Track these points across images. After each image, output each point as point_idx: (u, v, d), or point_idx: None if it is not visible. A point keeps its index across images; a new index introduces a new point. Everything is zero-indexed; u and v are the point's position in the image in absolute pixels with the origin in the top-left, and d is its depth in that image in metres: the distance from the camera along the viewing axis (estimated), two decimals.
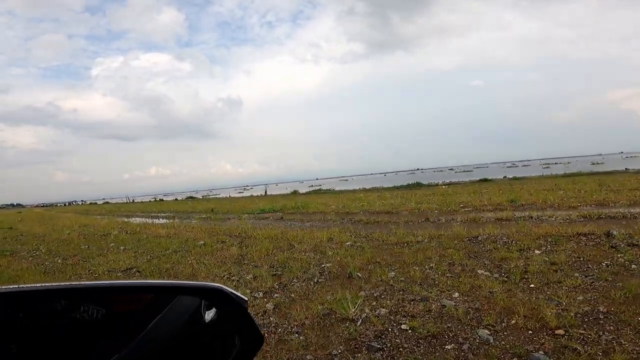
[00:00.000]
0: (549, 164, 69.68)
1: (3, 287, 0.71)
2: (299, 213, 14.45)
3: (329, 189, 38.35)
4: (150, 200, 62.38)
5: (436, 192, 19.72)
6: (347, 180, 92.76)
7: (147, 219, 17.78)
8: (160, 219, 17.41)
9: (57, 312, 0.78)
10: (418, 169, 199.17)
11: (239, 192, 71.91)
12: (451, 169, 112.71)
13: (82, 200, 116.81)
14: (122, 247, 8.85)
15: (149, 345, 0.79)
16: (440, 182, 32.08)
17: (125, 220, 17.66)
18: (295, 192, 36.71)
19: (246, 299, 0.86)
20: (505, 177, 33.74)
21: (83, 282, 0.89)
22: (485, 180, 29.10)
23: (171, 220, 15.51)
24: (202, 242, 8.41)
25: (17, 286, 0.72)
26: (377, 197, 18.41)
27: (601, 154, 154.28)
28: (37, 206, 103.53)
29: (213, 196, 64.97)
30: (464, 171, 71.42)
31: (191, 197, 62.71)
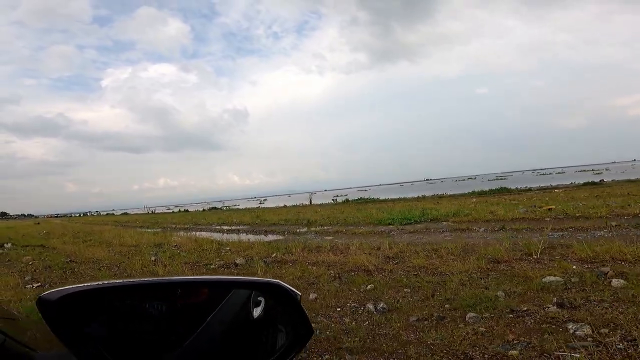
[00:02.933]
0: (585, 170, 67.02)
1: (90, 284, 0.77)
2: (451, 221, 12.42)
3: (377, 198, 36.09)
4: (173, 211, 60.56)
5: (559, 196, 18.33)
6: (366, 190, 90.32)
7: (226, 234, 15.25)
8: (248, 234, 14.80)
9: (131, 305, 0.86)
10: (427, 179, 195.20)
11: (260, 203, 70.33)
12: (470, 178, 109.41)
13: (96, 211, 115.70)
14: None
15: (208, 336, 0.85)
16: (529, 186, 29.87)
17: (198, 235, 15.18)
18: (346, 201, 34.85)
19: (300, 294, 0.91)
20: (573, 182, 31.15)
21: (154, 279, 0.99)
22: (593, 183, 27.48)
23: (272, 237, 13.14)
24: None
25: (101, 282, 0.79)
26: (494, 203, 16.49)
27: (614, 162, 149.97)
28: (50, 217, 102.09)
29: (234, 207, 63.18)
30: (497, 179, 68.53)
31: (214, 208, 61.02)
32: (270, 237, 13.13)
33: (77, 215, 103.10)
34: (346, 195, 62.39)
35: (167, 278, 1.34)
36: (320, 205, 37.08)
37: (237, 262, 8.22)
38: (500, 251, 6.49)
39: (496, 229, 9.77)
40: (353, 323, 4.22)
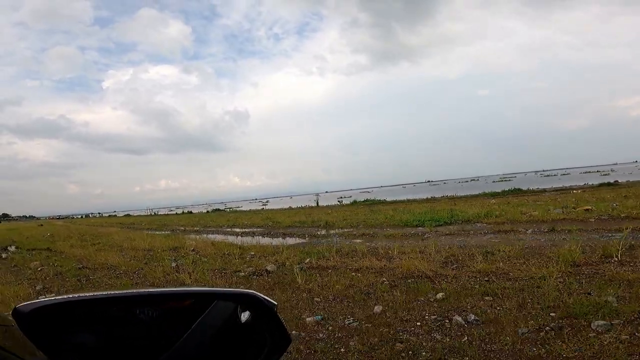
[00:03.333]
0: (590, 171, 66.13)
1: (76, 295, 0.84)
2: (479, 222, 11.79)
3: (384, 200, 35.33)
4: (177, 213, 59.69)
5: (583, 197, 17.45)
6: (369, 191, 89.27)
7: (241, 237, 14.43)
8: (265, 237, 13.89)
9: (116, 316, 0.88)
10: (428, 181, 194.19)
11: (263, 205, 69.48)
12: (473, 180, 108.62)
13: (98, 213, 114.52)
14: None
15: (191, 345, 0.86)
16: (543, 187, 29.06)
17: (212, 238, 14.35)
18: (355, 202, 34.10)
19: (276, 303, 0.93)
20: (586, 183, 30.41)
21: (136, 291, 1.02)
22: (609, 184, 26.62)
23: (293, 240, 12.37)
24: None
25: (91, 294, 0.86)
26: (517, 204, 15.82)
27: (616, 163, 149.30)
28: (52, 218, 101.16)
29: (237, 208, 62.31)
30: (502, 180, 67.79)
31: (218, 210, 60.14)
32: (292, 241, 12.36)
33: (79, 216, 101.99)
34: (350, 196, 61.82)
35: (146, 290, 1.33)
36: (327, 206, 36.32)
37: (268, 268, 7.43)
38: (576, 253, 5.76)
39: (545, 231, 9.01)
40: (448, 339, 3.59)
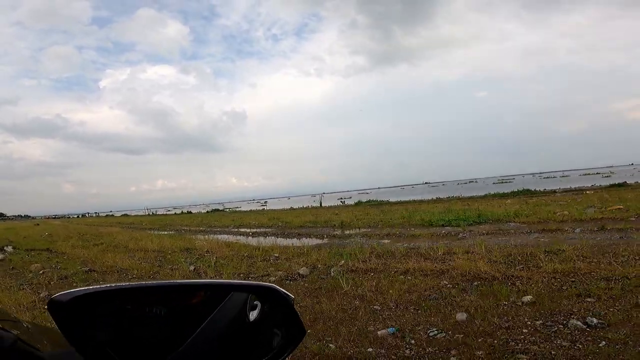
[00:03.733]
0: (589, 174, 65.82)
1: (94, 287, 0.79)
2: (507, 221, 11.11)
3: (387, 200, 34.53)
4: (176, 213, 58.64)
5: (602, 197, 16.59)
6: (368, 192, 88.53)
7: (252, 238, 13.70)
8: (278, 238, 13.14)
9: (135, 307, 0.86)
10: (426, 182, 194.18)
11: (262, 205, 68.61)
12: (471, 181, 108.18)
13: (94, 212, 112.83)
14: None
15: (207, 337, 0.85)
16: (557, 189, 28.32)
17: (222, 238, 13.45)
18: (359, 203, 33.28)
19: (293, 296, 0.92)
20: (594, 185, 29.82)
21: (155, 282, 1.24)
22: (619, 185, 26.05)
23: (313, 241, 11.58)
24: None
25: (108, 285, 0.81)
26: (535, 204, 14.99)
27: (612, 166, 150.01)
28: (48, 218, 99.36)
29: (236, 209, 61.32)
30: (501, 182, 67.33)
31: (217, 210, 59.22)
32: (310, 241, 11.53)
33: (75, 216, 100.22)
34: (350, 197, 61.07)
35: (168, 281, 1.22)
36: (331, 207, 35.49)
37: (301, 272, 6.63)
38: None
39: (595, 230, 8.28)
40: (580, 346, 3.01)
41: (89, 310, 0.77)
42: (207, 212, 53.43)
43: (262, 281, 6.33)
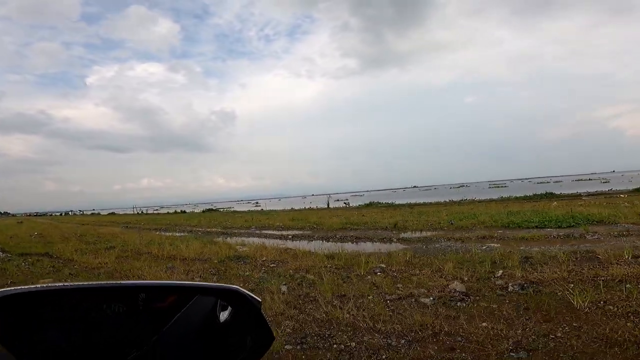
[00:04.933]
0: (581, 179, 65.71)
1: (45, 285, 0.74)
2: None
3: (392, 202, 32.49)
4: (169, 212, 55.26)
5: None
6: (362, 195, 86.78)
7: (288, 241, 11.58)
8: (328, 242, 11.08)
9: (89, 308, 0.80)
10: (415, 186, 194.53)
11: (256, 206, 65.85)
12: (462, 186, 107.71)
13: (79, 210, 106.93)
14: None
15: (170, 340, 0.80)
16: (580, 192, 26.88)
17: (259, 242, 10.96)
18: (370, 204, 31.13)
19: (260, 300, 0.88)
20: (611, 189, 28.56)
21: (114, 282, 0.94)
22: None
23: (352, 245, 9.26)
24: None
25: (60, 284, 0.76)
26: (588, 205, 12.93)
27: (594, 173, 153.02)
28: (30, 215, 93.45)
29: (228, 209, 58.32)
30: (497, 186, 66.61)
31: (210, 210, 56.25)
32: (379, 247, 9.34)
33: (58, 214, 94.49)
34: (347, 199, 59.15)
35: (126, 282, 1.17)
36: (337, 209, 33.28)
37: (458, 288, 4.48)
38: None
39: None
40: None
41: (29, 310, 0.72)
42: (203, 211, 50.41)
43: (414, 306, 4.14)
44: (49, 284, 0.76)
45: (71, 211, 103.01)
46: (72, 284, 0.78)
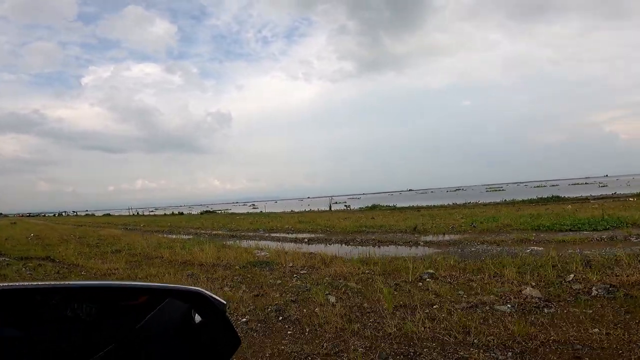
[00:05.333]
0: (578, 183, 65.76)
1: (14, 283, 0.75)
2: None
3: (394, 205, 31.85)
4: (165, 214, 54.11)
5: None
6: (359, 198, 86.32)
7: (304, 244, 10.97)
8: (349, 246, 10.48)
9: (51, 309, 0.78)
10: (410, 190, 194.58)
11: (253, 208, 65.05)
12: (459, 189, 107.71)
13: (73, 211, 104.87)
14: None
15: (137, 341, 0.78)
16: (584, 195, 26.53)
17: (274, 246, 10.19)
18: (374, 207, 30.46)
19: (225, 302, 0.86)
20: (614, 192, 28.24)
21: (76, 282, 1.06)
22: None
23: (372, 249, 8.62)
24: None
25: (16, 284, 0.76)
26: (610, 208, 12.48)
27: (589, 177, 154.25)
28: (22, 216, 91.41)
29: (226, 211, 57.35)
30: (495, 190, 66.50)
31: (208, 212, 55.30)
32: (409, 250, 8.76)
33: (52, 215, 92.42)
34: (345, 201, 58.58)
35: (95, 282, 1.19)
36: (339, 211, 32.66)
37: (534, 294, 4.00)
38: None
39: None
40: None
41: None
42: (200, 213, 49.47)
43: (490, 315, 3.55)
44: (11, 283, 0.75)
45: (64, 212, 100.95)
46: (35, 283, 0.77)
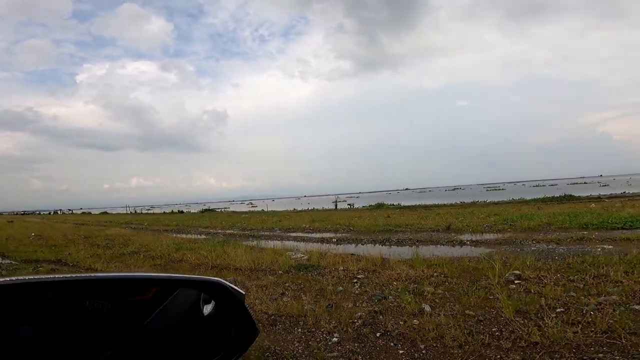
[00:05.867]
0: (577, 183, 65.54)
1: (20, 277, 0.71)
2: None
3: (399, 204, 31.15)
4: (165, 212, 52.89)
5: None
6: (358, 197, 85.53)
7: (332, 244, 10.11)
8: (374, 244, 9.71)
9: (66, 302, 0.77)
10: (407, 189, 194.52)
11: (252, 206, 63.97)
12: (457, 188, 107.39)
13: (68, 209, 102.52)
14: None
15: (150, 334, 0.78)
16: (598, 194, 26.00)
17: (307, 247, 9.27)
18: (380, 205, 29.70)
19: (243, 292, 0.86)
20: (624, 192, 27.75)
21: (91, 274, 0.89)
22: None
23: (415, 248, 7.83)
24: None
25: (32, 277, 0.73)
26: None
27: (583, 177, 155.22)
28: (17, 214, 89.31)
29: (224, 209, 56.24)
30: (494, 189, 66.02)
31: (208, 210, 54.17)
32: (454, 251, 8.01)
33: (47, 213, 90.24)
34: (344, 200, 57.83)
35: (106, 274, 1.12)
36: (350, 210, 31.91)
37: None
38: None
39: None
40: None
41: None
42: (202, 212, 48.38)
43: None
44: (22, 277, 0.71)
45: (60, 210, 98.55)
46: (46, 276, 0.74)
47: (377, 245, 9.83)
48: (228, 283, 0.84)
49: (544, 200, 25.71)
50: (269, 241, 11.85)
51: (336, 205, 34.44)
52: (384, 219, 16.38)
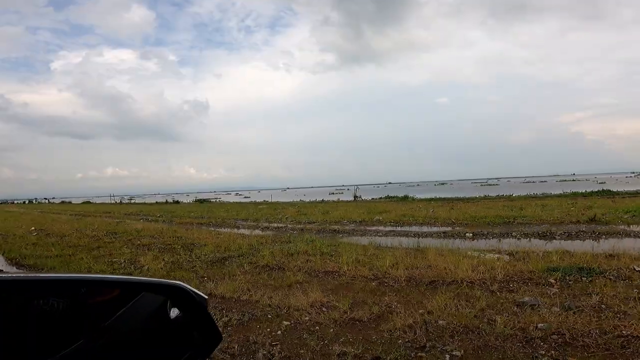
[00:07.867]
0: (565, 180, 65.72)
1: None
2: None
3: (404, 196, 28.87)
4: (158, 202, 48.70)
5: None
6: (349, 190, 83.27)
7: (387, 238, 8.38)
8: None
9: (22, 301, 0.74)
10: (389, 183, 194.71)
11: (245, 197, 60.46)
12: (442, 183, 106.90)
13: (45, 199, 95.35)
14: None
15: (107, 336, 0.75)
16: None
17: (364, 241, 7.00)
18: (388, 198, 27.82)
19: (206, 297, 0.82)
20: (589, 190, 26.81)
21: (49, 274, 0.91)
22: None
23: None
24: None
25: None
26: None
27: (557, 175, 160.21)
28: None
29: (216, 199, 52.75)
30: (487, 185, 64.79)
31: (201, 200, 50.07)
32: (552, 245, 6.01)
33: (22, 202, 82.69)
34: (342, 192, 55.67)
35: (67, 274, 1.09)
36: (353, 202, 29.54)
37: None
38: None
39: None
40: None
41: None
42: (200, 202, 44.79)
43: None
44: None
45: (35, 199, 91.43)
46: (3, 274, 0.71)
47: (447, 239, 8.03)
48: (189, 287, 0.79)
49: (583, 195, 23.98)
50: (359, 237, 9.53)
51: (355, 197, 31.97)
52: (421, 211, 14.56)
